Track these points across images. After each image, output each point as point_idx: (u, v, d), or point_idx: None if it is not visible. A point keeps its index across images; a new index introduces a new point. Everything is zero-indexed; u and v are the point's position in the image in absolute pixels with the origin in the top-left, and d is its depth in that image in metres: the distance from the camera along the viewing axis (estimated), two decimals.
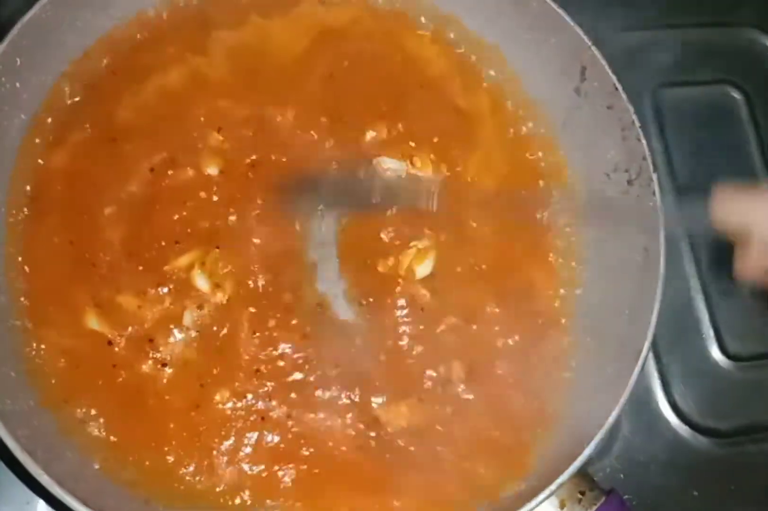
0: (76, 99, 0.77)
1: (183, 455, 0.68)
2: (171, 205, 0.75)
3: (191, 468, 0.68)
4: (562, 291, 0.79)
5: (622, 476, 0.83)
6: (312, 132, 0.79)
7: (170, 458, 0.68)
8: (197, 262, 0.73)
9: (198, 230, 0.75)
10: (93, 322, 0.71)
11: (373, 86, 0.82)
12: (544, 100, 0.84)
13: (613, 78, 0.76)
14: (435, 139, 0.81)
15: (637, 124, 0.75)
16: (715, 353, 0.90)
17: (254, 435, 0.70)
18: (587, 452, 0.66)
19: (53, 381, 0.69)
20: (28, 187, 0.74)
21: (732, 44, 1.02)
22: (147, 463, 0.68)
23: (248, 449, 0.70)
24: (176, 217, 0.74)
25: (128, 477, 0.67)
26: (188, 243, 0.74)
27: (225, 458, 0.69)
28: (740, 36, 1.03)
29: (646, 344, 0.70)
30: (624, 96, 0.76)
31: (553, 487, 0.65)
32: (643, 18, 0.98)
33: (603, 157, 0.79)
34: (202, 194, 0.76)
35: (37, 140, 0.75)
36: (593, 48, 0.77)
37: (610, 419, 0.67)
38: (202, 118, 0.77)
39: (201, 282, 0.73)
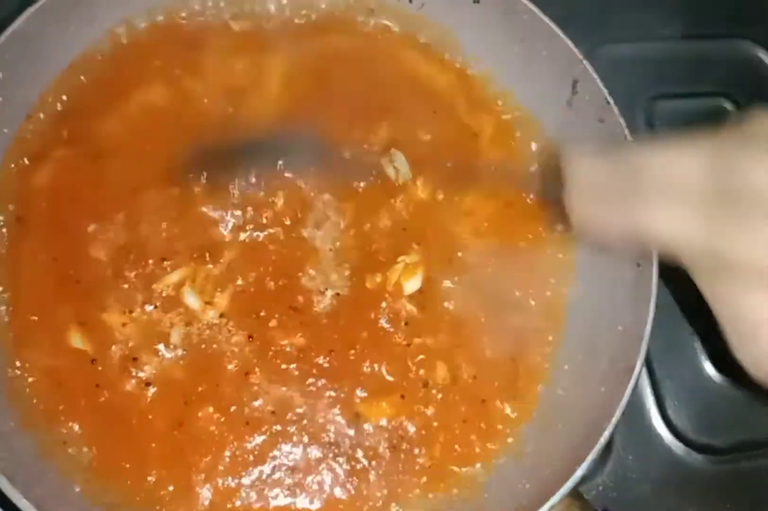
0: (61, 114, 0.76)
1: (165, 476, 0.67)
2: (157, 221, 0.74)
3: (172, 489, 0.67)
4: (554, 307, 0.78)
5: (614, 494, 0.82)
6: None
7: (151, 479, 0.67)
8: (188, 279, 0.72)
9: (187, 246, 0.73)
10: (76, 340, 0.70)
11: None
12: (536, 114, 0.83)
13: (605, 92, 0.75)
14: (448, 164, 0.81)
15: (630, 138, 0.74)
16: (709, 369, 0.89)
17: (236, 449, 0.69)
18: (579, 472, 0.65)
19: (35, 401, 0.68)
20: (10, 204, 0.73)
21: (726, 56, 1.02)
22: (128, 483, 0.67)
23: (229, 465, 0.69)
24: (163, 234, 0.73)
25: (110, 500, 0.66)
26: (177, 260, 0.73)
27: (204, 476, 0.68)
28: (734, 48, 1.03)
29: (639, 361, 0.69)
30: (616, 110, 0.75)
31: (543, 509, 0.64)
32: (635, 30, 0.97)
33: None
34: (190, 210, 0.75)
35: (21, 155, 0.74)
36: (585, 61, 0.76)
37: (602, 439, 0.66)
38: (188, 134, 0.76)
39: (191, 299, 0.72)
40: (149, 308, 0.71)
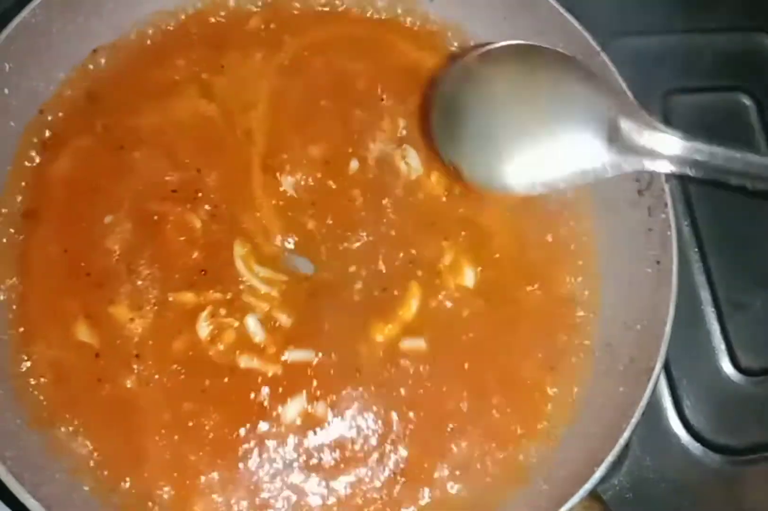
0: (79, 107, 0.75)
1: (162, 476, 0.66)
2: (182, 229, 0.73)
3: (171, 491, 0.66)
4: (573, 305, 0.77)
5: (631, 495, 0.81)
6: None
7: (151, 478, 0.66)
8: (209, 306, 0.70)
9: (213, 267, 0.72)
10: (83, 333, 0.69)
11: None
12: None
13: (623, 85, 0.74)
14: None
15: None
16: (727, 367, 0.87)
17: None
18: (598, 474, 0.64)
19: (41, 398, 0.67)
20: (23, 195, 0.72)
21: (744, 50, 1.00)
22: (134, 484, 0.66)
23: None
24: (185, 248, 0.72)
25: (118, 501, 0.65)
26: (200, 281, 0.71)
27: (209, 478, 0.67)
28: (752, 41, 1.01)
29: (659, 361, 0.68)
30: (635, 103, 0.73)
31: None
32: (652, 23, 0.96)
33: None
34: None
35: (35, 147, 0.74)
36: (603, 54, 0.75)
37: (622, 440, 0.65)
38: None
39: (202, 329, 0.70)
40: (162, 312, 0.70)
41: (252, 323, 0.71)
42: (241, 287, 0.72)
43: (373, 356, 0.71)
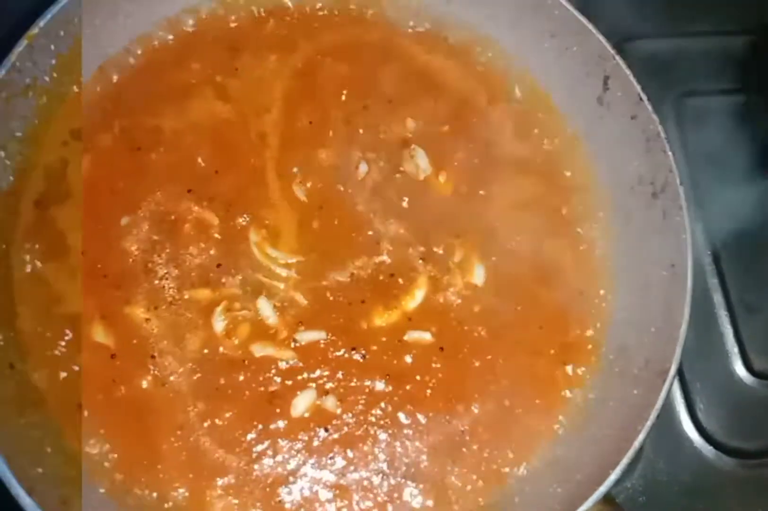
0: (93, 109, 0.76)
1: (178, 478, 0.67)
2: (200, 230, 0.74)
3: (186, 492, 0.67)
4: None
5: (643, 498, 0.81)
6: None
7: (167, 479, 0.67)
8: (224, 301, 0.72)
9: (229, 260, 0.73)
10: (99, 334, 0.70)
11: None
12: (566, 109, 0.81)
13: (638, 88, 0.74)
14: (475, 161, 0.80)
15: (663, 135, 0.73)
16: (740, 370, 0.87)
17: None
18: (613, 476, 0.64)
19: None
20: (40, 197, 0.73)
21: (757, 52, 1.00)
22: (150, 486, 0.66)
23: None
24: (202, 245, 0.74)
25: (134, 502, 0.65)
26: (216, 276, 0.73)
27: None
28: (765, 44, 1.01)
29: (675, 363, 0.67)
30: (649, 107, 0.73)
31: None
32: (665, 26, 0.96)
33: (626, 168, 0.76)
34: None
35: (53, 147, 0.74)
36: (617, 57, 0.75)
37: (637, 443, 0.65)
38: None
39: (218, 323, 0.71)
40: (178, 310, 0.71)
41: (264, 306, 0.72)
42: (257, 273, 0.73)
43: (376, 338, 0.72)
